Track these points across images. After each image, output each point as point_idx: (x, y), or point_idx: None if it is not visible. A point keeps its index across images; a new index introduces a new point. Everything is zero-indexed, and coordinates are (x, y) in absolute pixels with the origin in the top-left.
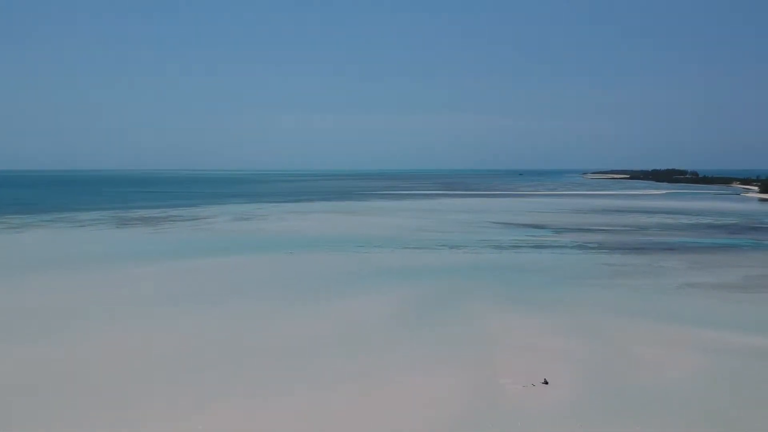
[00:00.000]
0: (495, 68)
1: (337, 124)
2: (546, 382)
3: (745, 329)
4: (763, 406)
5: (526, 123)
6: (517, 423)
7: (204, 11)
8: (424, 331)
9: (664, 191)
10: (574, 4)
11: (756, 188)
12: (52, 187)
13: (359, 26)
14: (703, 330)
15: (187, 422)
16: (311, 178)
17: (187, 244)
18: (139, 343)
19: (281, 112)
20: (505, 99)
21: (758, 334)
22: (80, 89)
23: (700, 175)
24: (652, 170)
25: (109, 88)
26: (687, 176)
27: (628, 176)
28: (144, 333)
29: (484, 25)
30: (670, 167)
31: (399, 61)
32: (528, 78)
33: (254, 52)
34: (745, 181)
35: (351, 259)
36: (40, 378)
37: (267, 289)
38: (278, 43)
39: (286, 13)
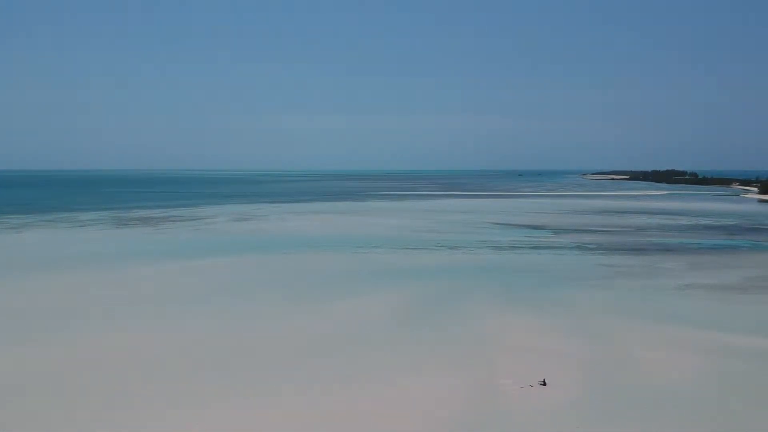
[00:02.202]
0: (495, 68)
1: (337, 125)
2: (544, 383)
3: (745, 330)
4: (763, 406)
5: (526, 123)
6: (515, 424)
7: (205, 11)
8: (423, 332)
9: (663, 192)
10: (575, 4)
11: (755, 189)
12: (51, 188)
13: (360, 26)
14: (703, 331)
15: (186, 422)
16: (310, 178)
17: (187, 245)
18: (138, 343)
19: (281, 112)
20: (505, 99)
21: (757, 336)
22: (79, 89)
23: (700, 176)
24: (652, 171)
25: (108, 88)
26: (686, 177)
27: (627, 177)
28: (143, 333)
29: (485, 25)
30: (669, 168)
31: (399, 61)
32: (528, 78)
33: (254, 52)
34: (745, 182)
35: (350, 260)
36: (39, 378)
37: (266, 290)
38: (279, 43)
39: (287, 12)
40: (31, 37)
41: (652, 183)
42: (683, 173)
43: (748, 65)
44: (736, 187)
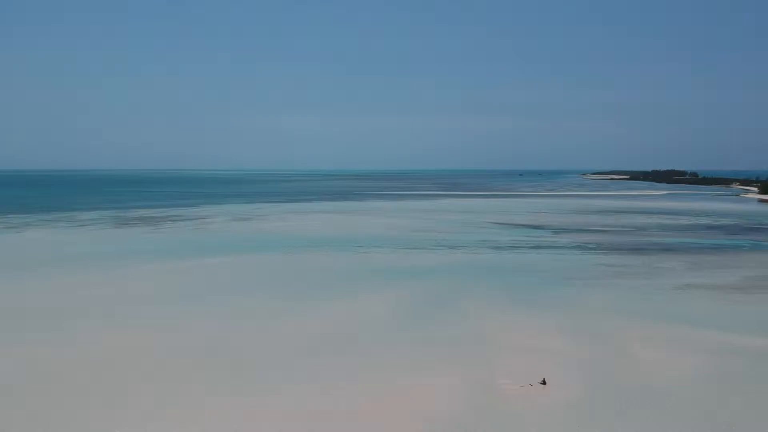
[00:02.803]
0: (495, 68)
1: (337, 125)
2: (544, 382)
3: (744, 330)
4: (762, 405)
5: (526, 123)
6: (515, 423)
7: (205, 10)
8: (423, 331)
9: (663, 192)
10: (575, 4)
11: (755, 189)
12: (52, 187)
13: (363, 25)
14: (702, 331)
15: (186, 419)
16: (310, 178)
17: (187, 244)
18: (138, 341)
19: (281, 112)
20: (505, 99)
21: (757, 335)
22: (79, 89)
23: (700, 176)
24: (652, 171)
25: (108, 88)
26: (686, 177)
27: (627, 177)
28: (143, 332)
29: (485, 25)
30: (670, 168)
31: (399, 61)
32: (528, 78)
33: (254, 52)
34: (745, 182)
35: (351, 259)
36: (39, 376)
37: (267, 289)
38: (279, 43)
39: (287, 12)
40: (31, 37)
41: (653, 183)
42: (683, 173)
43: (748, 65)
44: (736, 187)
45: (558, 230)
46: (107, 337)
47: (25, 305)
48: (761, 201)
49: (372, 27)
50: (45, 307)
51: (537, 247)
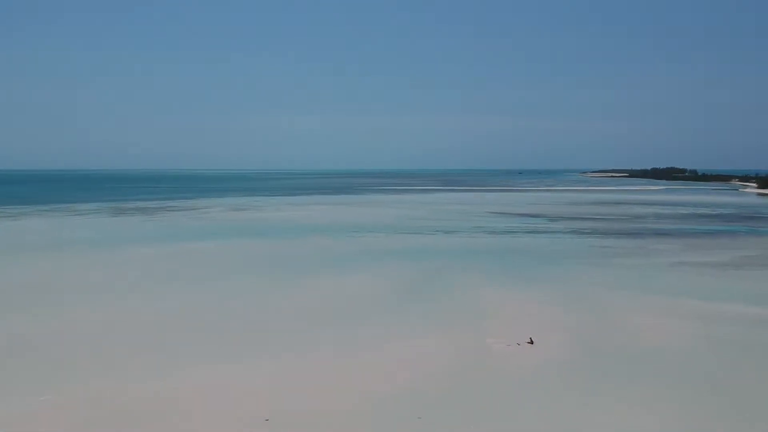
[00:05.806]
0: (494, 68)
1: (336, 125)
2: (531, 342)
3: (737, 300)
4: (753, 369)
5: (526, 123)
6: (501, 376)
7: (203, 9)
8: (417, 302)
9: (662, 187)
10: (575, 4)
11: (754, 185)
12: (50, 184)
13: (362, 25)
14: (695, 300)
15: (177, 378)
16: (311, 176)
17: (184, 230)
18: (132, 313)
19: (281, 111)
20: (505, 99)
21: (750, 304)
22: (77, 88)
23: (699, 173)
24: (651, 169)
25: (107, 88)
26: (686, 174)
27: (627, 175)
28: (139, 305)
29: (485, 25)
30: (669, 166)
31: (399, 61)
32: (528, 78)
33: (253, 52)
34: (744, 178)
35: (347, 242)
36: (37, 343)
37: (264, 267)
38: (278, 43)
39: (286, 12)
40: (31, 37)
41: (652, 180)
42: (683, 170)
43: (748, 65)
44: (735, 183)
45: (554, 218)
46: (102, 310)
47: (17, 283)
48: (760, 194)
49: (372, 27)
50: (41, 283)
51: (533, 232)
